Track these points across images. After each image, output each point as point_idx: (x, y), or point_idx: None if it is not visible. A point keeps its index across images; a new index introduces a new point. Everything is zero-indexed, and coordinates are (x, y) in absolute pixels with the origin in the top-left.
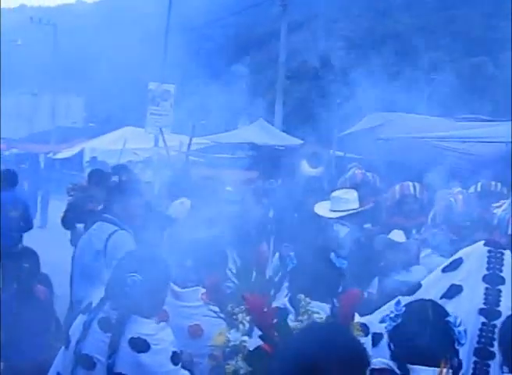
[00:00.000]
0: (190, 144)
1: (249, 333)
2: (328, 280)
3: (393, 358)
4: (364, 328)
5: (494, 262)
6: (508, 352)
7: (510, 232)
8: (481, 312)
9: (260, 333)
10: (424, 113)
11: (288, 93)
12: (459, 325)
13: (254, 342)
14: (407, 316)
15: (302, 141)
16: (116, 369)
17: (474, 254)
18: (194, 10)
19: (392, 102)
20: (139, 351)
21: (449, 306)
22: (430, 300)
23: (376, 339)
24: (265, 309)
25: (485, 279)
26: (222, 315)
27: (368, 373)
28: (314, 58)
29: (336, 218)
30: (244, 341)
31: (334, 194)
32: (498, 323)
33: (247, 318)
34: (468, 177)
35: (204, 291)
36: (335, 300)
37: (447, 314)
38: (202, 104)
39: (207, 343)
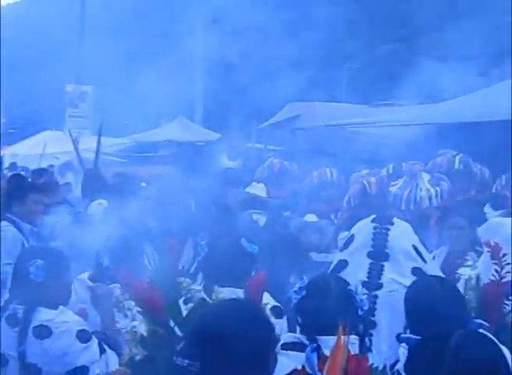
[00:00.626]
0: (99, 143)
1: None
2: (239, 266)
3: (302, 331)
4: (278, 310)
5: (379, 238)
6: (412, 315)
7: (403, 207)
8: (364, 284)
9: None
10: (342, 101)
11: (207, 89)
12: (360, 293)
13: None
14: (311, 287)
15: (221, 136)
16: (27, 359)
17: (363, 230)
18: (109, 10)
19: (309, 92)
20: (43, 338)
21: None
22: (331, 273)
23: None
24: (152, 295)
25: (369, 255)
26: (139, 309)
27: (277, 348)
28: (233, 54)
29: (252, 210)
30: (134, 327)
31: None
32: (379, 293)
33: (133, 303)
34: (384, 160)
35: None
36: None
37: (348, 283)
38: (123, 104)
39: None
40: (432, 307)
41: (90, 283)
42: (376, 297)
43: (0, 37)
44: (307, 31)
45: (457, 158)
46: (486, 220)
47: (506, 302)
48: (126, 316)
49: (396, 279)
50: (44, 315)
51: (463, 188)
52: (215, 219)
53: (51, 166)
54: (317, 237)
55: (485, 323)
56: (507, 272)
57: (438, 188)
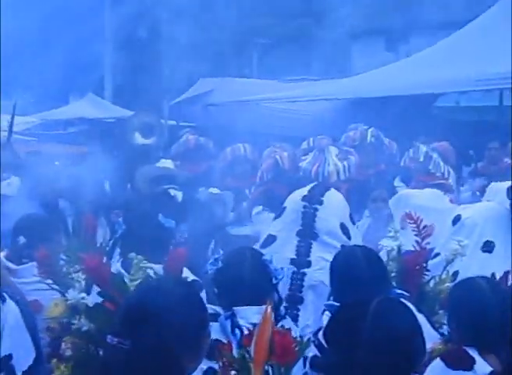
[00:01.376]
0: (12, 122)
1: (88, 292)
2: (157, 241)
3: (219, 302)
4: (197, 284)
5: (308, 217)
6: (335, 283)
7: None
8: (292, 261)
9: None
10: (254, 77)
11: (117, 65)
12: (274, 263)
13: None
14: (226, 259)
15: (132, 113)
16: None
17: (293, 206)
18: None
19: (220, 68)
20: None
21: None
22: (247, 246)
23: None
24: (102, 267)
25: (298, 234)
26: (55, 287)
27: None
28: (142, 30)
29: (169, 185)
30: (83, 298)
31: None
32: (307, 271)
33: (83, 277)
34: (297, 135)
35: None
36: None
37: (262, 254)
38: (29, 82)
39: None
40: (353, 275)
41: (8, 263)
42: (304, 274)
43: None
44: (216, 7)
45: (369, 131)
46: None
47: (426, 273)
48: (74, 288)
49: (324, 257)
50: None
51: (374, 162)
52: (131, 196)
53: None
54: (221, 207)
55: (405, 293)
56: (427, 243)
57: (345, 162)
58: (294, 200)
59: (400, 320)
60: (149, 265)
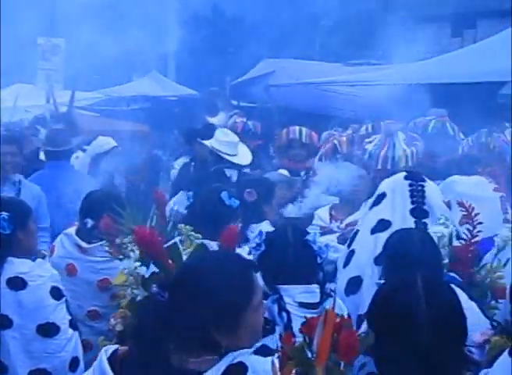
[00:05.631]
0: (73, 96)
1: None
2: (216, 218)
3: (264, 281)
4: (253, 265)
5: (416, 195)
6: (387, 262)
7: (379, 167)
8: None
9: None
10: (316, 59)
11: (180, 44)
12: (317, 242)
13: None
14: (269, 242)
15: (195, 92)
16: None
17: (397, 188)
18: None
19: (283, 49)
20: (17, 290)
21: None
22: (290, 225)
23: None
24: (154, 239)
25: (412, 213)
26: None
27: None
28: (206, 8)
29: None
30: (137, 268)
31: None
32: None
33: (136, 247)
34: (356, 119)
35: None
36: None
37: (305, 234)
38: (94, 58)
39: None
40: (407, 255)
41: (80, 241)
42: None
43: None
44: None
45: (433, 121)
46: None
47: (476, 261)
48: (129, 257)
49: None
50: (18, 266)
51: (441, 149)
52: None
53: (22, 119)
54: (289, 190)
55: (457, 277)
56: (479, 231)
57: (413, 148)
58: (396, 181)
59: (450, 296)
60: (197, 235)
